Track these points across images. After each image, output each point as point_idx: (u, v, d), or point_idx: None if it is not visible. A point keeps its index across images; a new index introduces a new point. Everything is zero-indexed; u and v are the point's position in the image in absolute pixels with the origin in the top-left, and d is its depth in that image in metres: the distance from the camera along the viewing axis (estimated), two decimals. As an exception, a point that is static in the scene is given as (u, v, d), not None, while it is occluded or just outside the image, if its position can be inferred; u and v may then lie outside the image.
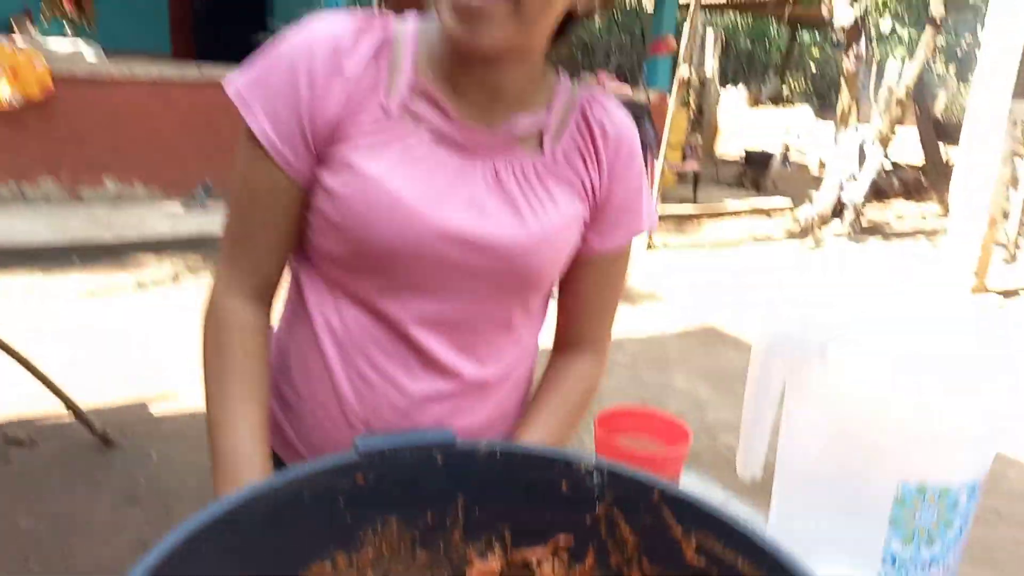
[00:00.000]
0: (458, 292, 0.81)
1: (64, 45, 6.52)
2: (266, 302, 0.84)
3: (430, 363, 0.83)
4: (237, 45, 8.23)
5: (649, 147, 7.86)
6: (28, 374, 2.54)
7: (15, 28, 7.23)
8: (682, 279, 5.47)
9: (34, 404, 2.75)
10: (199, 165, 5.93)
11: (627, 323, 4.41)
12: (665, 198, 7.10)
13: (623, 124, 0.86)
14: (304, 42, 0.76)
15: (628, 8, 15.20)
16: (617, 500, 0.60)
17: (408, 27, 0.80)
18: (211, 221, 5.51)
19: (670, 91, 6.77)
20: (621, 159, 0.86)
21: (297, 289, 0.86)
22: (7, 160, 5.46)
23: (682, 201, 7.94)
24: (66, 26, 8.13)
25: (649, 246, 6.28)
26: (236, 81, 0.77)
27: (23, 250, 4.66)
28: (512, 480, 0.62)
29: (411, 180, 0.76)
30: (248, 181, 0.79)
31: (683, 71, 6.39)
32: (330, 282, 0.82)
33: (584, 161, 0.84)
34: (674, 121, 6.63)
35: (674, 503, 0.57)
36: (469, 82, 0.79)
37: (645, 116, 8.81)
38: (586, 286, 0.92)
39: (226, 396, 0.79)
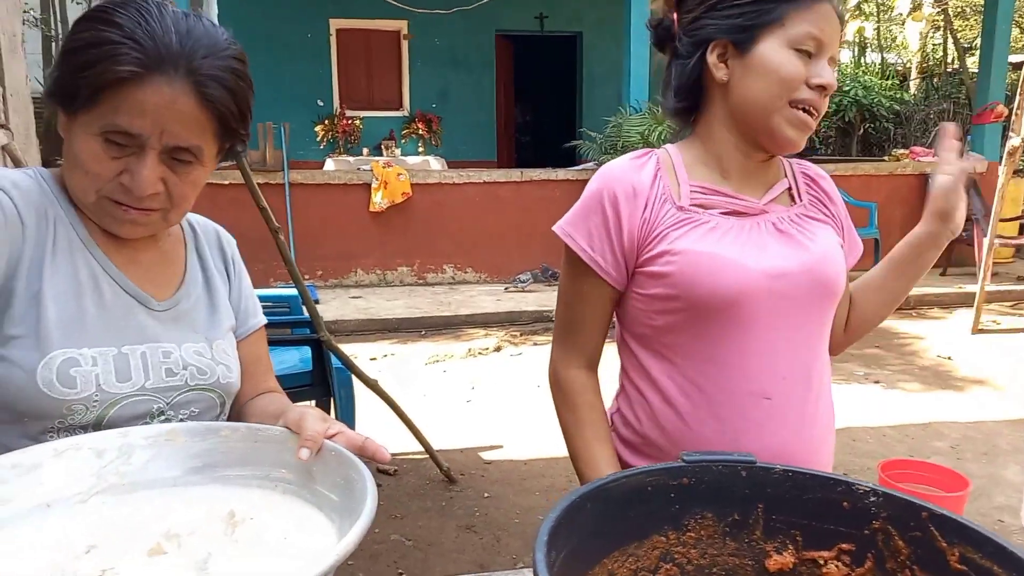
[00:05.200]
0: (783, 319, 1.03)
1: (417, 159, 8.01)
2: (594, 368, 1.15)
3: (767, 391, 1.04)
4: (551, 152, 9.33)
5: (976, 220, 7.08)
6: (396, 419, 3.19)
7: (383, 150, 9.06)
8: (1016, 363, 4.84)
9: (399, 443, 3.40)
10: (517, 254, 6.80)
11: (948, 408, 4.05)
12: (997, 274, 6.34)
13: (825, 174, 1.16)
14: (604, 180, 1.08)
15: (949, 72, 13.89)
16: (890, 518, 0.72)
17: (669, 150, 1.11)
18: (526, 301, 6.24)
19: (1000, 160, 6.13)
20: (838, 199, 1.13)
21: (639, 367, 1.11)
22: (376, 252, 6.82)
23: (1019, 279, 7.00)
24: (419, 144, 9.93)
25: (976, 328, 5.64)
26: (562, 223, 1.10)
27: (385, 323, 5.76)
28: (801, 496, 0.78)
29: (718, 242, 1.03)
30: (573, 285, 1.11)
31: (1015, 140, 5.78)
32: (671, 350, 1.07)
33: (824, 204, 1.11)
34: (1007, 193, 5.97)
35: (939, 521, 0.69)
36: (740, 171, 1.08)
37: (972, 188, 7.99)
38: None
39: (584, 440, 1.09)
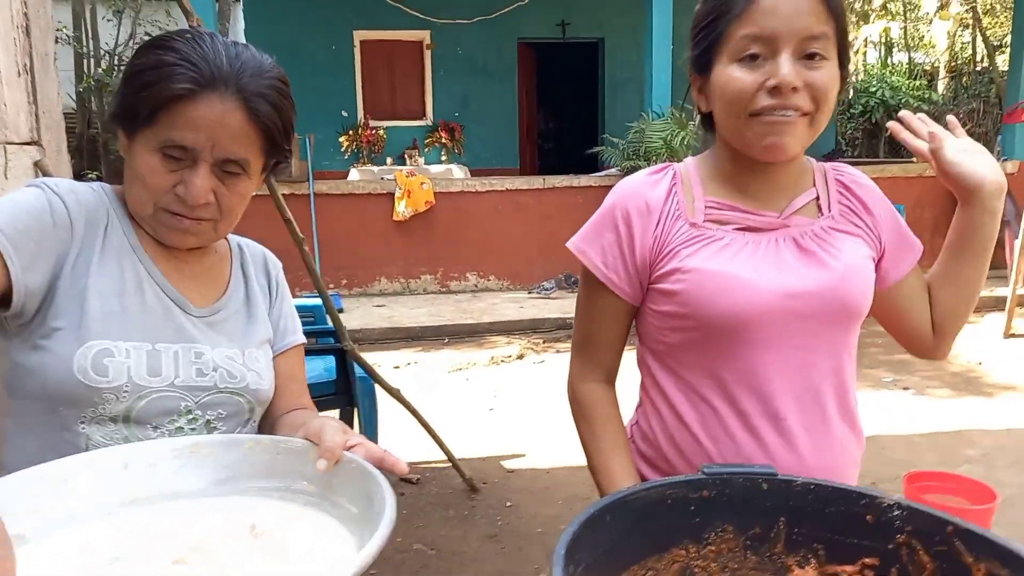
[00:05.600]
0: (797, 339, 1.01)
1: (440, 167, 8.06)
2: (611, 382, 1.15)
3: (781, 413, 1.02)
4: (573, 158, 9.33)
5: (1008, 222, 6.92)
6: (419, 427, 3.20)
7: (407, 159, 9.14)
8: (1053, 370, 4.73)
9: (421, 451, 3.40)
10: (540, 262, 6.81)
11: (979, 415, 3.96)
12: (1031, 280, 6.20)
13: (866, 178, 1.10)
14: (618, 196, 1.08)
15: (978, 70, 13.65)
16: (915, 532, 0.72)
17: (688, 164, 1.10)
18: (548, 308, 6.23)
19: (1032, 160, 6.02)
20: (878, 205, 1.07)
21: (655, 383, 1.11)
22: (400, 261, 6.86)
23: (1056, 283, 6.82)
24: (442, 153, 10.00)
25: (1008, 333, 5.53)
26: (575, 239, 1.11)
27: (409, 331, 5.78)
28: (824, 509, 0.77)
29: (732, 261, 1.01)
30: (588, 300, 1.12)
31: (1047, 138, 5.67)
32: (684, 368, 1.06)
33: (857, 214, 1.06)
34: (1039, 193, 5.85)
35: (965, 536, 0.67)
36: (754, 183, 1.05)
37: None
38: (910, 303, 1.11)
39: (603, 454, 1.09)
